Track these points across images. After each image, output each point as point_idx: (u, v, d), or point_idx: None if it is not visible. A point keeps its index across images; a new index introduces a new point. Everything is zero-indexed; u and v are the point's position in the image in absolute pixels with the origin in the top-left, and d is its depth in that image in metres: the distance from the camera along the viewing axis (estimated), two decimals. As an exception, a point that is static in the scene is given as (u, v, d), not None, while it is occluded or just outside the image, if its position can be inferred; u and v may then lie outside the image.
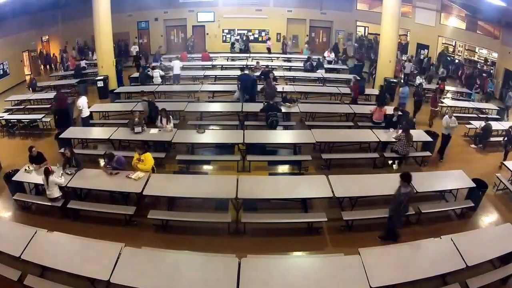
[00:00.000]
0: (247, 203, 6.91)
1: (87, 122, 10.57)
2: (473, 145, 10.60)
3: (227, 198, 6.72)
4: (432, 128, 10.79)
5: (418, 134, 9.61)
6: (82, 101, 10.44)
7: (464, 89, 15.07)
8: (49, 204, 6.96)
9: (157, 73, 14.27)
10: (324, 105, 12.13)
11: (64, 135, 9.24)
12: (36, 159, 7.83)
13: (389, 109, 10.47)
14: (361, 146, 9.75)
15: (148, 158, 7.38)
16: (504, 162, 8.72)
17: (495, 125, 10.65)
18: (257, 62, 16.25)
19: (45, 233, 5.74)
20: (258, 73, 14.95)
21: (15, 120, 11.16)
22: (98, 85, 13.82)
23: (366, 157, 9.18)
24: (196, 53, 19.22)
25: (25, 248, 5.28)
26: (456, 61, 17.88)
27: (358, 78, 13.79)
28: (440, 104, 12.41)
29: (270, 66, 15.70)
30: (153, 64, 16.10)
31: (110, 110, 11.67)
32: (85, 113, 10.56)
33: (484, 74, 15.50)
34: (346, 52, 19.17)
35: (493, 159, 9.68)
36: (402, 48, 19.56)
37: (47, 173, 6.75)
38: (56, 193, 6.87)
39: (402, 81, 14.66)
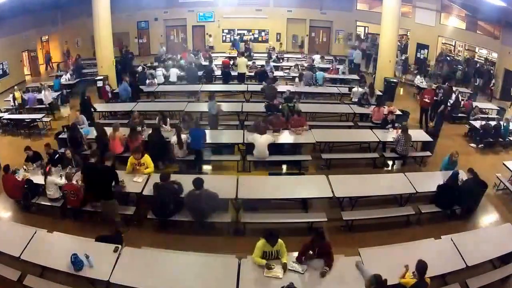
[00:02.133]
0: (246, 203, 6.90)
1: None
2: (472, 145, 10.62)
3: (227, 198, 6.71)
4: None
5: (418, 134, 9.62)
6: None
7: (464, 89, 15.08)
8: (49, 204, 6.96)
9: (160, 72, 14.23)
10: (324, 105, 12.13)
11: (63, 135, 9.24)
12: (33, 159, 7.85)
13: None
14: (361, 146, 9.75)
15: (149, 161, 7.37)
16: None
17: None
18: (253, 62, 16.23)
19: (45, 233, 5.74)
20: (252, 73, 14.99)
21: (15, 120, 11.19)
22: (98, 85, 13.80)
23: (366, 157, 9.18)
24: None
25: (25, 248, 5.27)
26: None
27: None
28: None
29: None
30: (155, 63, 16.10)
31: (110, 110, 11.66)
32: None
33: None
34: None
35: (493, 159, 9.68)
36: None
37: (45, 173, 6.75)
38: (57, 193, 6.86)
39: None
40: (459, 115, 12.33)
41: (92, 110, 10.95)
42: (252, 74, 14.94)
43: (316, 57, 17.46)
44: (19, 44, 16.60)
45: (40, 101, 12.41)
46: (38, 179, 7.23)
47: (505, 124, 10.51)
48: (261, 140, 8.20)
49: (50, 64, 19.05)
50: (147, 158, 7.37)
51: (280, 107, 10.52)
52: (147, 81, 13.39)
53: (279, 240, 5.15)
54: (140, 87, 12.92)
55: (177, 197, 6.43)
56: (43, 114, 11.43)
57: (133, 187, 6.87)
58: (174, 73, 14.27)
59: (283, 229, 6.56)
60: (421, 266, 4.53)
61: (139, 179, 7.05)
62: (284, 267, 4.98)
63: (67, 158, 7.71)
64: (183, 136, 8.30)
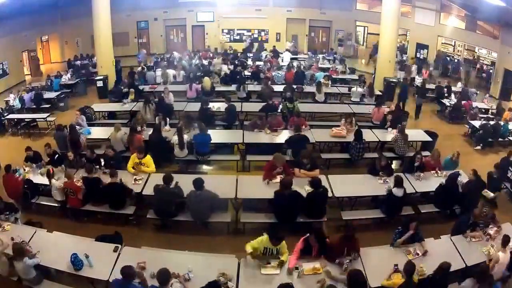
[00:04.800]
0: (246, 203, 6.91)
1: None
2: (477, 147, 10.63)
3: (226, 198, 6.72)
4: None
5: (418, 134, 9.63)
6: None
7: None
8: (49, 204, 6.95)
9: (160, 73, 14.21)
10: (324, 105, 12.12)
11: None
12: (33, 159, 7.85)
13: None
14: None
15: (150, 161, 7.41)
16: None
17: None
18: (253, 62, 16.23)
19: (45, 233, 5.75)
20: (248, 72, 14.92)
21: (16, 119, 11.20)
22: (98, 85, 13.81)
23: (365, 157, 9.17)
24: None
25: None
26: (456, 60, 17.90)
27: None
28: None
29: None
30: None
31: (110, 110, 11.65)
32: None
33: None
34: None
35: (493, 159, 9.68)
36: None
37: (50, 176, 6.74)
38: (60, 196, 6.85)
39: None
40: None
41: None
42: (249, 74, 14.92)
43: (321, 58, 17.37)
44: (19, 44, 16.59)
45: (39, 102, 12.43)
46: (38, 179, 7.23)
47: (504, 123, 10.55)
48: None
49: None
50: (148, 159, 7.40)
51: (281, 106, 10.55)
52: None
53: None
54: (140, 87, 12.89)
55: (178, 199, 6.41)
56: (48, 114, 11.43)
57: (133, 187, 6.86)
58: (170, 74, 14.26)
59: (282, 229, 6.60)
60: (409, 268, 4.59)
61: (139, 179, 7.07)
62: (281, 264, 5.02)
63: (68, 160, 7.74)
64: (185, 136, 8.31)
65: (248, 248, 5.09)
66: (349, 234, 5.27)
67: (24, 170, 7.46)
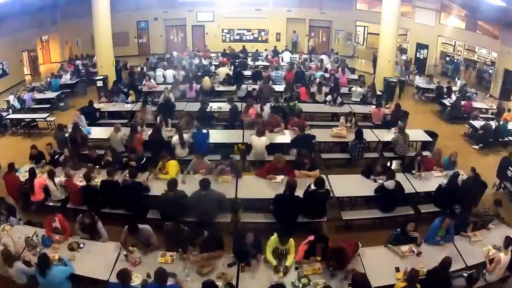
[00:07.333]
0: (246, 203, 6.90)
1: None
2: (474, 146, 10.62)
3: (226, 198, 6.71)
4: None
5: (418, 134, 9.62)
6: None
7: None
8: (49, 204, 6.95)
9: (160, 72, 14.21)
10: (324, 105, 12.09)
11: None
12: (36, 158, 7.87)
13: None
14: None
15: (171, 168, 7.24)
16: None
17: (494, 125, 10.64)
18: (253, 62, 16.21)
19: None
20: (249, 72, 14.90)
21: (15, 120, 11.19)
22: (98, 85, 13.80)
23: (365, 157, 9.17)
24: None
25: (24, 248, 5.29)
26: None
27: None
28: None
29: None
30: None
31: (110, 110, 11.64)
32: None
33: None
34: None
35: (493, 159, 9.69)
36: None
37: (52, 175, 6.74)
38: (63, 195, 6.87)
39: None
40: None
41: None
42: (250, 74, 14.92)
43: (324, 58, 17.22)
44: (19, 44, 16.59)
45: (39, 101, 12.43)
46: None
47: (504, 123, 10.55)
48: (260, 143, 8.18)
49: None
50: (170, 164, 7.31)
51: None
52: (144, 82, 13.34)
53: (291, 239, 5.21)
54: (139, 87, 12.87)
55: (184, 201, 6.34)
56: (48, 114, 11.41)
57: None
58: (170, 74, 14.23)
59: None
60: (412, 275, 4.60)
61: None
62: (286, 270, 5.01)
63: (65, 158, 7.74)
64: (184, 136, 8.30)
65: (270, 258, 5.08)
66: (336, 249, 5.02)
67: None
